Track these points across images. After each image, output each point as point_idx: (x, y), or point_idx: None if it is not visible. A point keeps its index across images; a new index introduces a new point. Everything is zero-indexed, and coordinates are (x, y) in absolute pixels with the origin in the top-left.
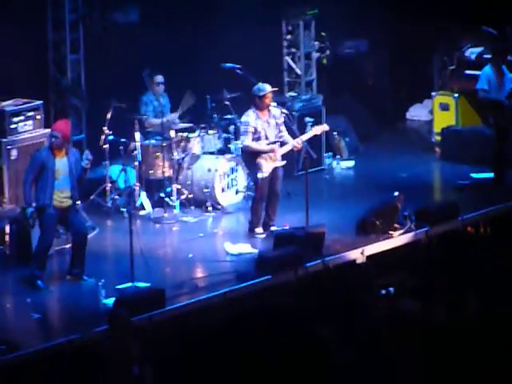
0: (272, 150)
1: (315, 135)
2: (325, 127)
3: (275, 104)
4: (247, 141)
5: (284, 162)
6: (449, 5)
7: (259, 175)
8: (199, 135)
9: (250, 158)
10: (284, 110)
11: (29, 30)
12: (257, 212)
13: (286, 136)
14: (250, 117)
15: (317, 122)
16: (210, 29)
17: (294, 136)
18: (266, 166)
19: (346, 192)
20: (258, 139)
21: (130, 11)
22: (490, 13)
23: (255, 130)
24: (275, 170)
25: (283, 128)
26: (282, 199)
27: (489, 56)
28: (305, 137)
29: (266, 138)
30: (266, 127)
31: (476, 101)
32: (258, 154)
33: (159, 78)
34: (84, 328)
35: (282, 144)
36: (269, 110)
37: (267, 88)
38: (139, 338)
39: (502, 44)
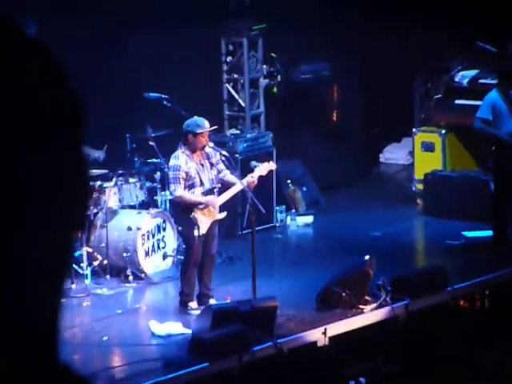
0: (211, 202)
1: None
2: (271, 165)
3: (212, 145)
4: (179, 190)
5: (225, 214)
6: (433, 15)
7: (195, 233)
8: (116, 184)
9: (183, 212)
10: (224, 153)
11: None
12: (189, 281)
13: (228, 175)
14: (180, 159)
15: None
16: (129, 45)
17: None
18: (204, 221)
19: (304, 255)
20: (191, 187)
21: (29, 25)
22: (486, 25)
23: (187, 175)
24: (210, 226)
25: (222, 166)
26: (224, 266)
27: (486, 81)
28: (252, 177)
29: (202, 184)
30: (200, 171)
31: (470, 138)
32: (192, 206)
33: None
34: None
35: (221, 191)
36: (202, 151)
37: (206, 125)
38: None
39: (507, 64)
